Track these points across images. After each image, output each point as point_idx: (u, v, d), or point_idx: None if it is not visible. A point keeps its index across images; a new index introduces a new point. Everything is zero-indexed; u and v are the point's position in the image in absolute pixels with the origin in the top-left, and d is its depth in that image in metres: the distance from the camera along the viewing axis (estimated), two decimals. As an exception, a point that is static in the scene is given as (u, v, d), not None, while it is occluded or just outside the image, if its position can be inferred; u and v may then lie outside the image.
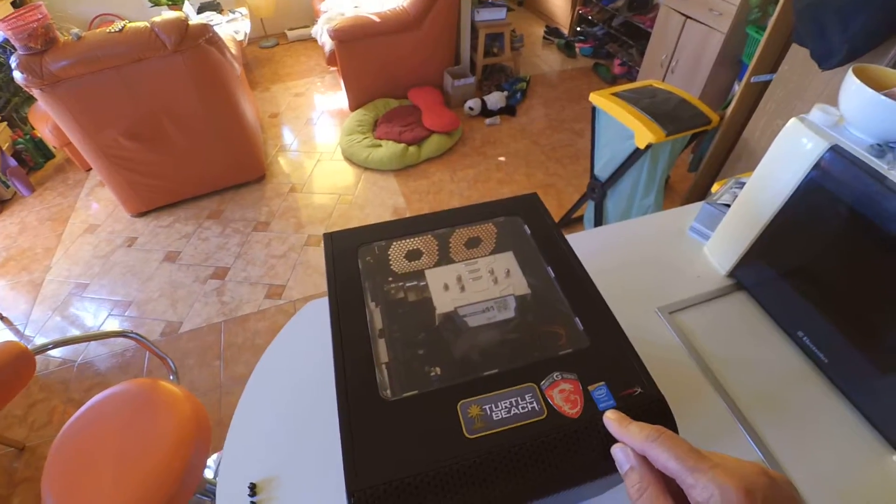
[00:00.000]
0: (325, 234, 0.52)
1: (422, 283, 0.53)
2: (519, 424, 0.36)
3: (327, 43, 2.82)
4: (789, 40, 1.42)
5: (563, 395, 0.39)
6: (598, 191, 2.00)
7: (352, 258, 0.49)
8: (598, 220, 2.10)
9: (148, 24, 1.87)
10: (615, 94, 1.76)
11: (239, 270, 2.17)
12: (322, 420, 0.66)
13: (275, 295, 2.07)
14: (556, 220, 2.44)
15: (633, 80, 3.47)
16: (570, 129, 3.15)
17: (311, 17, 3.86)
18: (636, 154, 1.69)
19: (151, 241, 2.29)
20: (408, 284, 0.54)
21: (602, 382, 0.40)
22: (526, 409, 0.37)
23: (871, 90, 0.63)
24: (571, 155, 2.94)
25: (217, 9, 3.40)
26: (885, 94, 0.62)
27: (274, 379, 0.75)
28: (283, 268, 2.19)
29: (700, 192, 2.02)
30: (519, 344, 0.47)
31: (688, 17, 2.57)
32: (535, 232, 0.53)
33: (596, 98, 1.76)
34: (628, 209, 1.96)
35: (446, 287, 0.49)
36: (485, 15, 3.00)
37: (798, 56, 1.39)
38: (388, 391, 0.39)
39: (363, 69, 2.86)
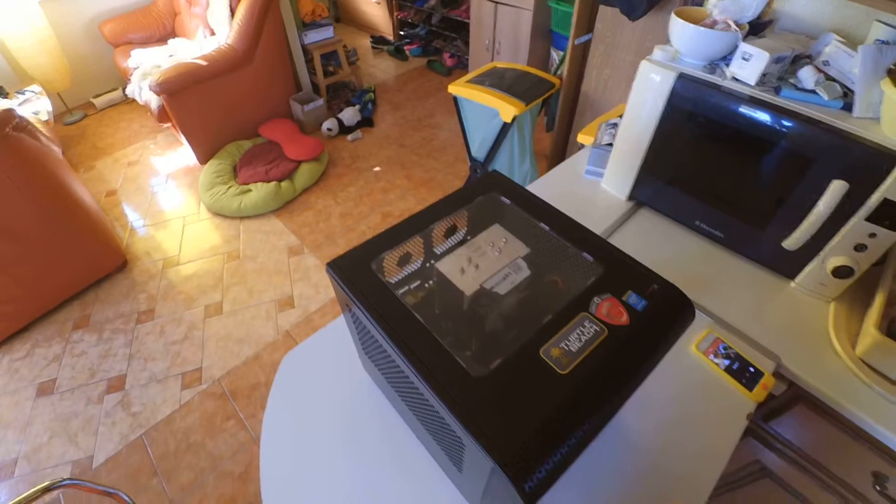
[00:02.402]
0: (328, 264, 0.52)
1: (434, 279, 0.55)
2: (594, 347, 0.43)
3: (152, 100, 2.55)
4: (596, 3, 1.70)
5: (609, 311, 0.46)
6: (480, 170, 2.15)
7: (369, 274, 0.50)
8: (488, 197, 2.26)
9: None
10: (469, 82, 1.91)
11: (138, 372, 1.88)
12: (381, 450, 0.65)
13: (193, 382, 1.84)
14: (450, 209, 2.57)
15: (465, 68, 3.76)
16: (428, 125, 3.30)
17: (119, 78, 3.42)
18: (505, 128, 1.87)
19: (12, 381, 1.86)
20: (422, 283, 0.56)
21: (630, 290, 0.48)
22: (591, 333, 0.43)
23: (692, 25, 0.81)
24: (438, 147, 3.10)
25: (1, 93, 2.83)
26: (702, 26, 0.81)
27: (293, 449, 0.70)
28: (190, 350, 1.95)
29: (561, 147, 2.29)
30: (548, 291, 0.53)
31: (497, 2, 2.87)
32: (514, 199, 0.59)
33: (455, 89, 1.89)
34: (511, 178, 2.15)
35: (462, 271, 0.53)
36: (313, 36, 2.98)
37: (607, 14, 1.68)
38: (474, 370, 0.42)
39: (203, 118, 2.65)
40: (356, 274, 0.50)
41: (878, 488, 0.78)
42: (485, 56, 3.35)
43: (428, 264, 0.57)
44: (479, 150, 2.08)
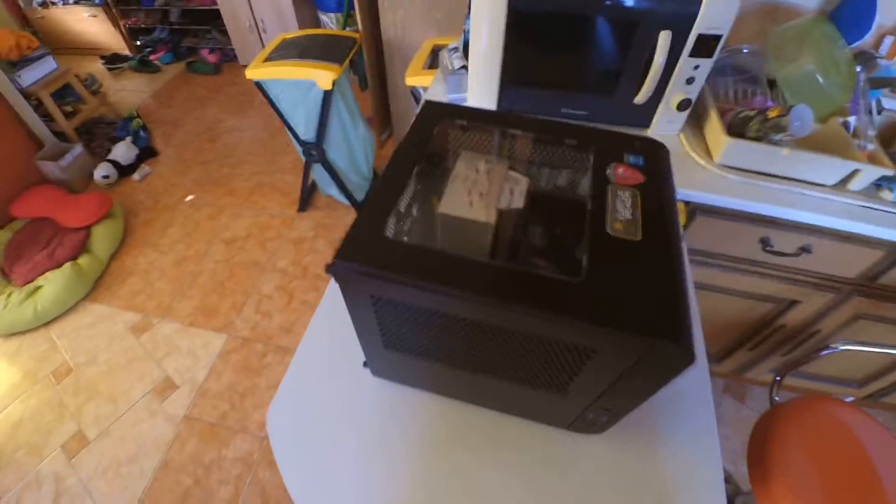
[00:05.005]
0: (332, 265, 0.42)
1: (449, 228, 0.50)
2: (640, 207, 0.44)
3: None
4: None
5: (625, 174, 0.47)
6: (315, 151, 2.00)
7: (393, 246, 0.43)
8: (334, 176, 2.12)
9: None
10: (266, 61, 1.71)
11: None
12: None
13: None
14: (298, 205, 2.36)
15: (233, 59, 3.36)
16: (222, 131, 2.93)
17: None
18: (328, 97, 1.74)
19: None
20: (441, 236, 0.50)
21: (625, 153, 0.50)
22: (629, 199, 0.45)
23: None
24: (247, 150, 2.79)
25: None
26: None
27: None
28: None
29: (382, 101, 2.25)
30: (559, 184, 0.52)
31: (242, -25, 2.58)
32: (467, 118, 0.55)
33: (254, 73, 1.68)
34: (350, 149, 2.05)
35: (470, 203, 0.49)
36: (31, 75, 2.29)
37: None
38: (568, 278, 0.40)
39: (-87, 225, 1.89)
40: (376, 255, 0.42)
41: (766, 248, 1.01)
42: (251, 39, 3.04)
43: (429, 217, 0.51)
44: (306, 130, 1.91)
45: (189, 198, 2.49)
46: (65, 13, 3.34)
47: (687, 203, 0.99)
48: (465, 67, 1.09)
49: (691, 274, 0.80)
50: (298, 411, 0.63)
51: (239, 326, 1.94)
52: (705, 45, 0.92)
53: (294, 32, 1.88)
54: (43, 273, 1.99)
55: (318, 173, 2.17)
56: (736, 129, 0.98)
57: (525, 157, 0.54)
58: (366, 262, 0.40)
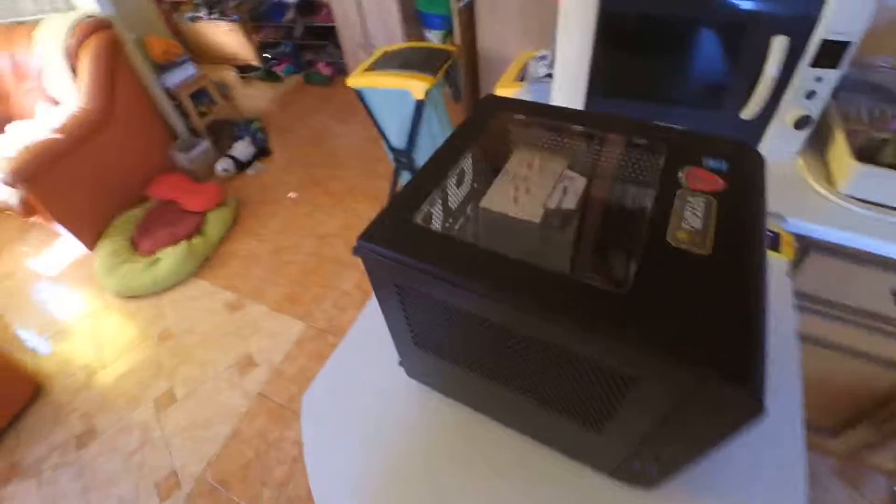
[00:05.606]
0: (357, 245, 0.42)
1: (486, 222, 0.47)
2: (715, 217, 0.37)
3: (11, 195, 2.14)
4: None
5: (700, 179, 0.41)
6: (405, 159, 2.07)
7: (426, 234, 0.41)
8: (421, 184, 2.18)
9: None
10: (367, 71, 1.81)
11: (103, 503, 1.57)
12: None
13: (172, 489, 1.57)
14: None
15: (344, 73, 3.63)
16: (328, 137, 3.15)
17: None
18: (420, 107, 1.80)
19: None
20: (475, 233, 0.48)
21: (703, 156, 0.43)
22: (702, 206, 0.38)
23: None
24: (347, 156, 2.96)
25: None
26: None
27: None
28: (154, 456, 1.67)
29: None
30: (620, 187, 0.47)
31: (359, -6, 2.79)
32: (526, 112, 0.52)
33: (355, 81, 1.78)
34: (437, 159, 2.08)
35: (515, 200, 0.45)
36: (174, 78, 2.69)
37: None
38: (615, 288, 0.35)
39: (78, 197, 2.28)
40: (401, 240, 0.40)
41: (900, 301, 0.83)
42: (361, 54, 3.25)
43: (468, 209, 0.48)
44: (397, 138, 1.99)
45: (291, 195, 2.71)
46: (208, 27, 3.87)
47: (799, 237, 0.85)
48: (550, 76, 1.05)
49: (795, 320, 0.67)
50: (333, 399, 0.64)
51: (317, 317, 2.04)
52: (830, 54, 0.79)
53: (394, 45, 1.98)
54: (163, 248, 2.28)
55: (406, 181, 2.24)
56: (867, 154, 0.82)
57: (586, 155, 0.49)
58: (388, 245, 0.38)
